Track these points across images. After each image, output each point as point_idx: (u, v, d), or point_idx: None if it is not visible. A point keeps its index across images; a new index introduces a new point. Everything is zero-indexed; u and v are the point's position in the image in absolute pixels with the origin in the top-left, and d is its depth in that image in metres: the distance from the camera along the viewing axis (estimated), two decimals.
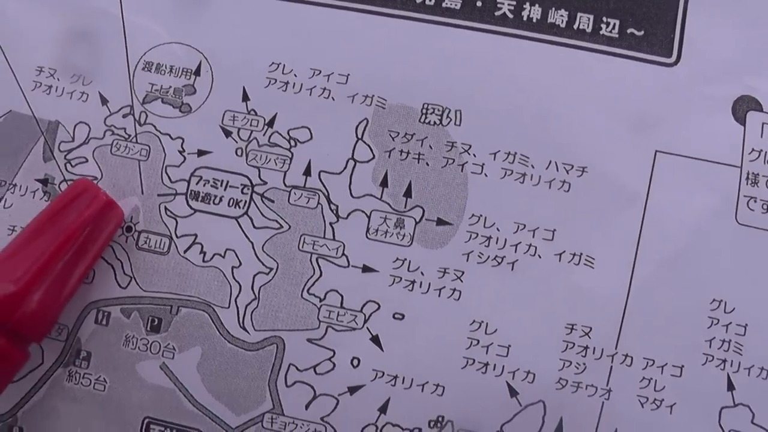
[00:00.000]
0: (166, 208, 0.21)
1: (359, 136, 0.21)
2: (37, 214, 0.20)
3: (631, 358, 0.20)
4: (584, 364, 0.20)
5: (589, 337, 0.20)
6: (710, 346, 0.20)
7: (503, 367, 0.20)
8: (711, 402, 0.20)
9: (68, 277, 0.20)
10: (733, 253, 0.20)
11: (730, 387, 0.20)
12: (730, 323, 0.20)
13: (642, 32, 0.21)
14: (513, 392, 0.20)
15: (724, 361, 0.20)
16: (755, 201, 0.21)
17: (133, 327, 0.21)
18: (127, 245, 0.21)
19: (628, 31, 0.21)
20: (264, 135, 0.21)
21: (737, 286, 0.20)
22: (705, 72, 0.21)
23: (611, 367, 0.20)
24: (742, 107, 0.21)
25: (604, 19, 0.21)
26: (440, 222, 0.21)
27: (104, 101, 0.22)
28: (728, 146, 0.21)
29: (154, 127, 0.22)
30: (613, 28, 0.21)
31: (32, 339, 0.20)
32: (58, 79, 0.22)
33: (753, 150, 0.21)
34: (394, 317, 0.20)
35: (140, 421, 0.21)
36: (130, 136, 0.22)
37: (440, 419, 0.20)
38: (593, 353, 0.20)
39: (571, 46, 0.21)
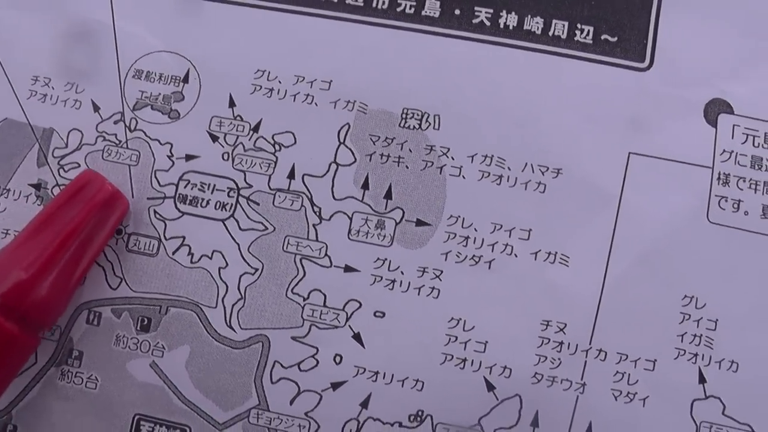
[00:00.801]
0: (155, 211, 0.22)
1: (341, 141, 0.22)
2: (46, 205, 0.21)
3: (605, 352, 0.20)
4: (559, 359, 0.20)
5: (564, 333, 0.20)
6: (682, 341, 0.21)
7: (480, 362, 0.20)
8: (683, 395, 0.20)
9: (77, 265, 0.21)
10: (704, 251, 0.21)
11: (702, 380, 0.20)
12: (702, 318, 0.21)
13: (615, 38, 0.22)
14: (490, 387, 0.20)
15: (696, 355, 0.21)
16: (726, 200, 0.21)
17: (124, 327, 0.22)
18: (118, 247, 0.22)
19: (602, 37, 0.22)
20: (249, 140, 0.22)
21: (708, 282, 0.21)
22: (677, 76, 0.22)
23: (585, 361, 0.20)
24: (714, 110, 0.22)
25: (579, 25, 0.22)
26: (419, 223, 0.21)
27: (96, 108, 0.22)
28: (700, 148, 0.22)
29: (144, 132, 0.22)
30: (588, 34, 0.22)
31: (42, 325, 0.21)
32: (53, 88, 0.23)
33: (724, 151, 0.22)
34: (375, 315, 0.21)
35: (131, 418, 0.21)
36: (120, 141, 0.22)
37: (420, 413, 0.20)
38: (568, 348, 0.20)
39: (547, 52, 0.22)
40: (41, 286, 0.20)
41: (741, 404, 0.20)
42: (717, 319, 0.21)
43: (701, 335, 0.21)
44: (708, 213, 0.21)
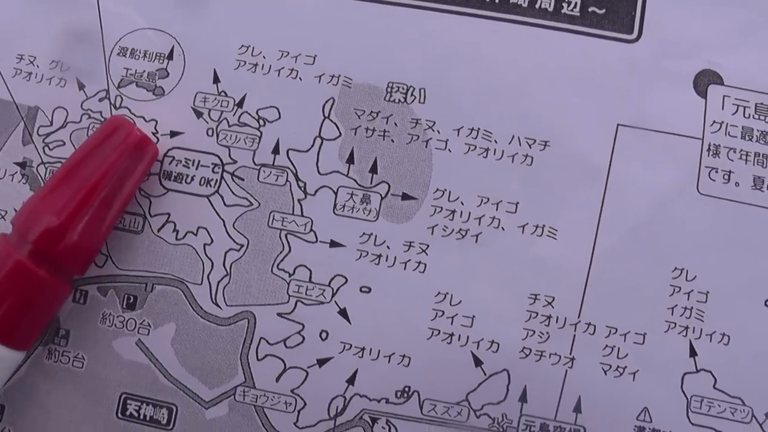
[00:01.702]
0: (140, 188, 0.22)
1: (326, 115, 0.22)
2: (76, 149, 0.21)
3: (594, 326, 0.20)
4: (547, 333, 0.20)
5: (552, 307, 0.20)
6: (672, 314, 0.20)
7: (468, 337, 0.20)
8: (673, 368, 0.20)
9: (107, 210, 0.20)
10: (694, 223, 0.21)
11: (693, 353, 0.20)
12: (692, 291, 0.20)
13: (603, 10, 0.22)
14: (478, 362, 0.20)
15: (686, 327, 0.20)
16: (716, 171, 0.21)
17: (110, 305, 0.22)
18: None
19: (590, 9, 0.22)
20: (234, 115, 0.22)
21: (699, 254, 0.20)
22: (666, 48, 0.22)
23: (574, 335, 0.20)
24: (703, 81, 0.22)
25: None
26: (405, 197, 0.21)
27: (81, 86, 0.22)
28: (689, 119, 0.21)
29: (129, 110, 0.22)
30: (575, 6, 0.22)
31: (74, 272, 0.21)
32: (38, 66, 0.23)
33: (714, 122, 0.21)
34: (361, 290, 0.21)
35: (117, 396, 0.21)
36: (106, 119, 0.22)
37: (406, 389, 0.20)
38: (556, 322, 0.20)
39: (534, 25, 0.22)
40: (72, 232, 0.20)
41: (732, 377, 0.20)
42: (708, 292, 0.20)
43: (692, 308, 0.20)
44: (698, 185, 0.21)
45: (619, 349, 0.20)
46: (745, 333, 0.20)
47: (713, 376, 0.20)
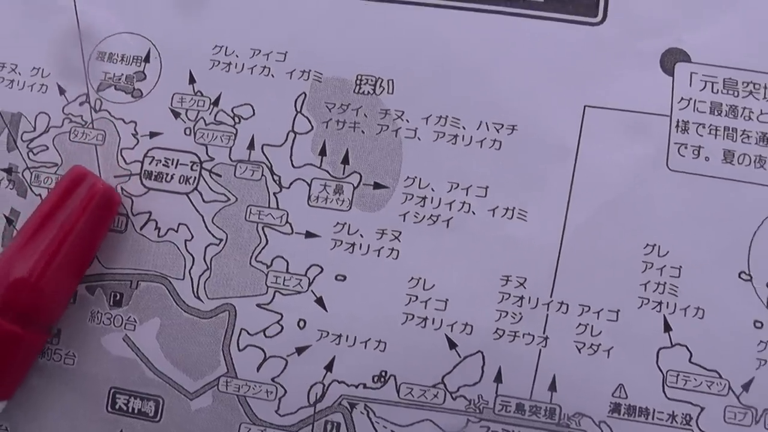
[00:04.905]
0: (122, 189, 0.22)
1: (298, 110, 0.22)
2: (39, 205, 0.21)
3: (567, 305, 0.20)
4: (520, 313, 0.20)
5: (525, 288, 0.20)
6: (645, 290, 0.20)
7: (441, 320, 0.20)
8: (648, 344, 0.20)
9: (76, 263, 0.21)
10: (665, 199, 0.21)
11: (667, 328, 0.20)
12: (665, 266, 0.20)
13: None
14: (452, 344, 0.20)
15: (660, 303, 0.20)
16: (686, 147, 0.21)
17: (98, 303, 0.22)
18: None
19: None
20: (210, 114, 0.22)
21: (670, 230, 0.21)
22: (631, 28, 0.22)
23: (547, 315, 0.20)
24: (670, 59, 0.22)
25: None
26: (377, 186, 0.21)
27: (62, 91, 0.23)
28: (657, 97, 0.21)
29: (109, 112, 0.23)
30: None
31: (49, 323, 0.21)
32: (19, 74, 0.23)
33: (682, 99, 0.21)
34: (336, 279, 0.21)
35: (107, 391, 0.22)
36: (86, 122, 0.23)
37: (383, 374, 0.21)
38: (529, 303, 0.20)
39: (499, 12, 0.22)
40: (43, 289, 0.20)
41: (708, 351, 0.20)
42: (681, 266, 0.20)
43: (665, 283, 0.20)
44: (668, 161, 0.21)
45: (592, 326, 0.20)
46: (719, 306, 0.20)
47: (689, 350, 0.20)
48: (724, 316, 0.20)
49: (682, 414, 0.20)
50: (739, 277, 0.21)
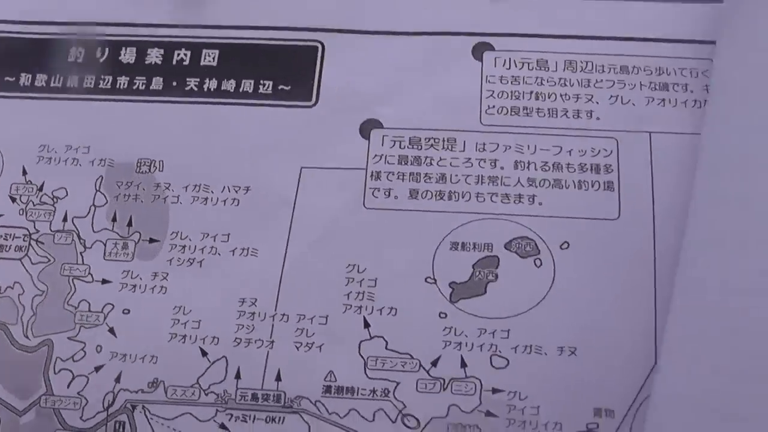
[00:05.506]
0: None
1: (98, 189, 0.29)
2: None
3: (288, 315, 0.27)
4: (253, 325, 0.27)
5: (256, 305, 0.27)
6: (348, 298, 0.27)
7: (196, 336, 0.27)
8: (352, 338, 0.27)
9: None
10: (362, 230, 0.28)
11: (366, 325, 0.27)
12: (363, 279, 0.27)
13: (290, 87, 0.30)
14: (204, 353, 0.27)
15: (360, 307, 0.27)
16: (378, 190, 0.28)
17: None
18: None
19: (279, 87, 0.30)
20: (37, 197, 0.30)
21: (367, 252, 0.28)
22: (338, 106, 0.29)
23: (273, 324, 0.27)
24: (368, 127, 0.29)
25: (261, 81, 0.30)
26: (152, 240, 0.29)
27: None
28: (357, 156, 0.29)
29: None
30: (268, 87, 0.30)
31: None
32: None
33: (375, 155, 0.29)
34: (123, 312, 0.28)
35: None
36: None
37: (155, 380, 0.27)
38: (259, 316, 0.27)
39: (239, 104, 0.30)
40: None
41: (401, 339, 0.26)
42: (376, 278, 0.27)
43: (364, 292, 0.27)
44: (364, 201, 0.28)
45: (307, 330, 0.27)
46: (410, 304, 0.27)
47: (385, 340, 0.27)
48: (414, 311, 0.27)
49: (382, 389, 0.26)
50: (426, 281, 0.27)
